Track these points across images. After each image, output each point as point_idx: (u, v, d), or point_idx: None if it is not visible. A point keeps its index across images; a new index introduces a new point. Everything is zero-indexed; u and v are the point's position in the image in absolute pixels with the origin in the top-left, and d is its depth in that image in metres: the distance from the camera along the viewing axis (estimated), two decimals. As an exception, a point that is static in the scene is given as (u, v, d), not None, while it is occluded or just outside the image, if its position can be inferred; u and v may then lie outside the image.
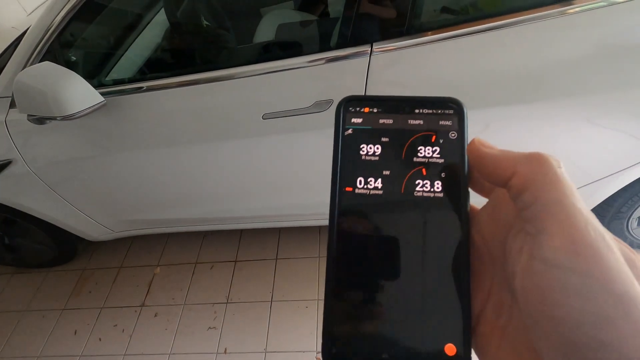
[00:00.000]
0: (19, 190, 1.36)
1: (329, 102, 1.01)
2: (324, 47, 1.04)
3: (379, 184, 0.22)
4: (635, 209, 1.27)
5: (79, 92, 1.01)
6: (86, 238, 1.62)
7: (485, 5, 1.00)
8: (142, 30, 1.33)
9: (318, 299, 1.49)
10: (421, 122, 0.23)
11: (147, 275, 1.73)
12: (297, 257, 1.66)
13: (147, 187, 1.35)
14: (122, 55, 1.27)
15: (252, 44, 1.38)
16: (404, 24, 0.93)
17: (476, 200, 0.23)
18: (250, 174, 1.26)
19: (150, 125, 1.15)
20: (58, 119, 1.02)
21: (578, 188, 1.22)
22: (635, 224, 1.35)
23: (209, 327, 1.49)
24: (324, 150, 1.11)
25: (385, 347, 0.20)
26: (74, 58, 1.20)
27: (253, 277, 1.62)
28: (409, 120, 0.23)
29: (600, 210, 1.30)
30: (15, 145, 1.22)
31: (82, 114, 1.02)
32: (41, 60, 1.10)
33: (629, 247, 0.17)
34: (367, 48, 0.96)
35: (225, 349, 1.41)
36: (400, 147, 0.23)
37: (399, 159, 0.23)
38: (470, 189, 0.22)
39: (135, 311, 1.60)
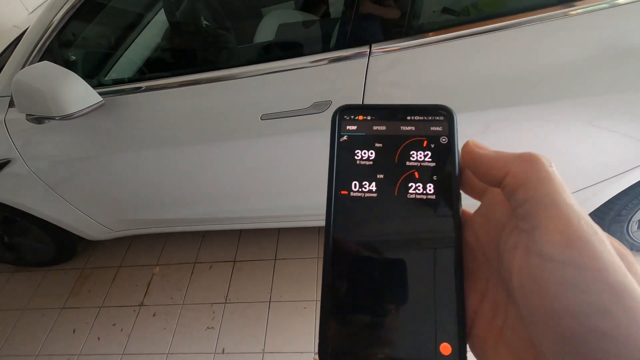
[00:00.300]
0: (18, 189, 1.36)
1: (327, 103, 1.01)
2: (323, 47, 1.03)
3: (373, 187, 0.23)
4: (635, 212, 1.27)
5: (77, 92, 1.01)
6: (85, 237, 1.62)
7: (485, 7, 1.00)
8: (142, 30, 1.33)
9: (316, 300, 1.49)
10: (413, 128, 0.24)
11: (146, 274, 1.73)
12: (295, 257, 1.66)
13: (146, 187, 1.35)
14: (122, 55, 1.27)
15: (250, 45, 1.38)
16: (404, 25, 0.93)
17: (468, 203, 0.23)
18: (249, 174, 1.25)
19: (148, 125, 1.15)
20: (56, 118, 1.02)
21: (578, 191, 1.21)
22: (635, 227, 1.35)
23: (207, 327, 1.49)
24: (322, 151, 1.11)
25: (381, 347, 0.20)
26: (73, 57, 1.20)
27: (252, 278, 1.62)
28: (401, 127, 0.24)
29: (600, 213, 1.29)
30: (14, 145, 1.22)
31: (80, 113, 1.02)
32: (40, 60, 1.10)
33: (619, 242, 0.18)
34: (366, 49, 0.95)
35: (223, 349, 1.41)
36: (393, 152, 0.24)
37: (392, 163, 0.23)
38: (463, 192, 0.23)
39: (134, 310, 1.60)
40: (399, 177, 0.23)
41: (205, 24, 1.42)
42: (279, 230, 1.78)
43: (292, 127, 1.07)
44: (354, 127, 0.24)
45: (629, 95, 0.92)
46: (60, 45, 1.13)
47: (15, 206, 1.42)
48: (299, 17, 1.51)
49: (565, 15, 0.86)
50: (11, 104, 1.17)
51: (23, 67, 1.11)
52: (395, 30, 0.94)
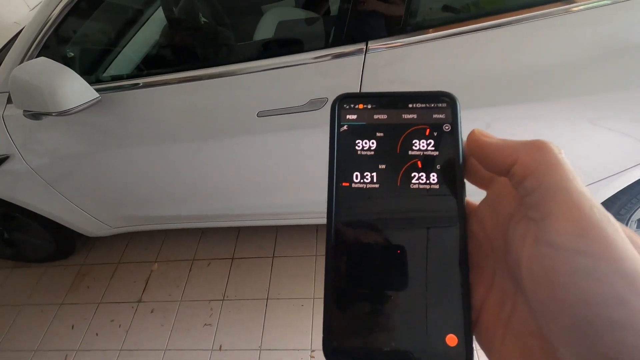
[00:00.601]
0: (17, 185, 1.37)
1: (324, 100, 1.01)
2: (320, 45, 1.03)
3: (375, 178, 0.22)
4: (635, 211, 1.26)
5: (74, 88, 1.01)
6: (84, 234, 1.63)
7: (484, 3, 0.99)
8: (140, 27, 1.33)
9: (314, 298, 1.49)
10: (415, 116, 0.23)
11: (145, 271, 1.73)
12: (294, 255, 1.66)
13: (143, 184, 1.35)
14: (120, 51, 1.27)
15: (248, 42, 1.37)
16: (400, 22, 0.92)
17: (474, 192, 0.23)
18: (246, 171, 1.25)
19: (145, 122, 1.15)
20: (53, 114, 1.02)
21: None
22: (634, 226, 1.34)
23: (205, 324, 1.49)
24: (319, 148, 1.11)
25: (386, 339, 0.20)
26: (71, 54, 1.20)
27: (250, 275, 1.63)
28: (403, 115, 0.23)
29: (599, 212, 1.28)
30: (12, 141, 1.23)
31: (77, 109, 1.02)
32: (38, 56, 1.10)
33: (632, 230, 0.17)
34: (362, 46, 0.95)
35: (220, 346, 1.42)
36: (395, 142, 0.23)
37: (394, 153, 0.23)
38: (467, 181, 0.23)
39: (132, 307, 1.60)
40: (401, 167, 0.22)
41: (204, 21, 1.41)
42: (277, 228, 1.78)
43: (289, 124, 1.07)
44: (354, 117, 0.24)
45: (630, 94, 0.91)
46: (58, 42, 1.14)
47: (14, 202, 1.42)
48: (300, 14, 1.50)
49: (566, 12, 0.85)
50: (9, 100, 1.18)
51: (21, 63, 1.11)
52: (392, 27, 0.93)
